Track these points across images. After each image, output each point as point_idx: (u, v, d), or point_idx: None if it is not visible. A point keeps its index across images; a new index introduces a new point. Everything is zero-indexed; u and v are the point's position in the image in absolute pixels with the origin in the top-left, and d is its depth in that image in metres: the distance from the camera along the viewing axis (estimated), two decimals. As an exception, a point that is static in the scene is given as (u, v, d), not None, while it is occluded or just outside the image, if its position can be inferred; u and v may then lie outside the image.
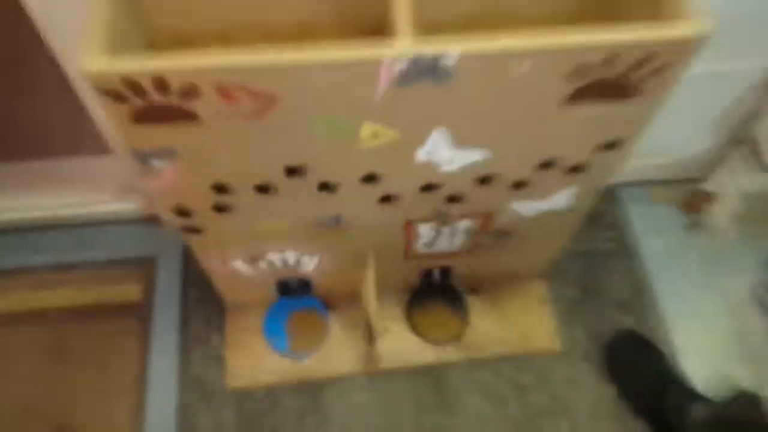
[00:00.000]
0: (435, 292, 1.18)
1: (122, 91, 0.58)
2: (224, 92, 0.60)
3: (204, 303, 1.16)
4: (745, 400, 1.00)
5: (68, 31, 0.80)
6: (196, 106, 0.61)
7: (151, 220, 1.22)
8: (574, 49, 0.61)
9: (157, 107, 0.61)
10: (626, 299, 1.23)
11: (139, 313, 1.14)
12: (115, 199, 1.20)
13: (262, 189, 0.77)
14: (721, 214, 1.29)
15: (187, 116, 0.62)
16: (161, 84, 0.58)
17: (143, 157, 0.68)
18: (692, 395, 1.06)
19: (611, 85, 0.68)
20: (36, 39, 0.88)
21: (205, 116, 0.63)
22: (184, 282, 1.18)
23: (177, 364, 1.10)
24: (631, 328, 1.17)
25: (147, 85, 0.58)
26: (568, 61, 0.63)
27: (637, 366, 1.12)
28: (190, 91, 0.59)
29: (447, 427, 1.09)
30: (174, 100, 0.60)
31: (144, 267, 1.19)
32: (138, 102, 0.60)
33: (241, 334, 1.12)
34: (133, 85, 0.58)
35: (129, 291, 1.16)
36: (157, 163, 0.69)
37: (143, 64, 0.57)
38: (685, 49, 0.63)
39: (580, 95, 0.68)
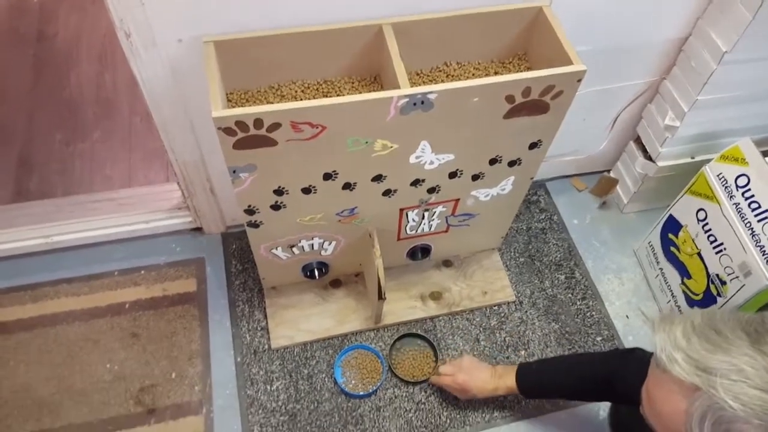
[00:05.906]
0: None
1: (233, 128, 0.92)
2: (295, 125, 0.95)
3: (245, 288, 1.45)
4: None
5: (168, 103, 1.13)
6: (276, 135, 0.95)
7: (196, 230, 1.54)
8: (504, 85, 0.99)
9: (251, 137, 0.95)
10: (560, 261, 1.57)
11: (197, 300, 1.42)
12: (169, 217, 1.51)
13: (306, 190, 1.10)
14: (623, 194, 1.66)
15: (269, 142, 0.96)
16: (258, 123, 0.92)
17: (236, 171, 1.01)
18: None
19: (531, 105, 1.04)
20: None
21: (280, 142, 0.97)
22: (227, 274, 1.47)
23: (230, 335, 1.38)
24: None
25: (249, 123, 0.92)
26: (502, 92, 1.00)
27: None
28: (274, 126, 0.94)
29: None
30: (262, 132, 0.95)
31: (195, 265, 1.48)
32: (241, 135, 0.94)
33: (277, 309, 1.41)
34: (241, 124, 0.92)
35: (186, 284, 1.44)
36: (243, 175, 1.03)
37: (248, 111, 0.91)
38: (570, 80, 1.01)
39: (514, 112, 1.05)
